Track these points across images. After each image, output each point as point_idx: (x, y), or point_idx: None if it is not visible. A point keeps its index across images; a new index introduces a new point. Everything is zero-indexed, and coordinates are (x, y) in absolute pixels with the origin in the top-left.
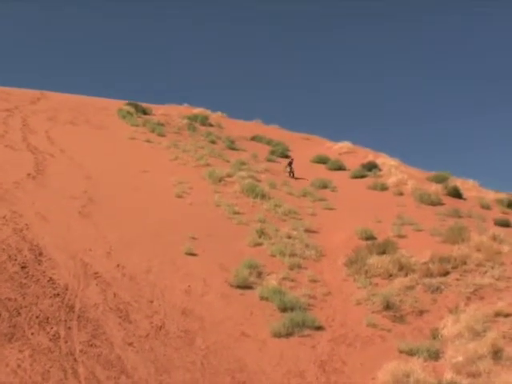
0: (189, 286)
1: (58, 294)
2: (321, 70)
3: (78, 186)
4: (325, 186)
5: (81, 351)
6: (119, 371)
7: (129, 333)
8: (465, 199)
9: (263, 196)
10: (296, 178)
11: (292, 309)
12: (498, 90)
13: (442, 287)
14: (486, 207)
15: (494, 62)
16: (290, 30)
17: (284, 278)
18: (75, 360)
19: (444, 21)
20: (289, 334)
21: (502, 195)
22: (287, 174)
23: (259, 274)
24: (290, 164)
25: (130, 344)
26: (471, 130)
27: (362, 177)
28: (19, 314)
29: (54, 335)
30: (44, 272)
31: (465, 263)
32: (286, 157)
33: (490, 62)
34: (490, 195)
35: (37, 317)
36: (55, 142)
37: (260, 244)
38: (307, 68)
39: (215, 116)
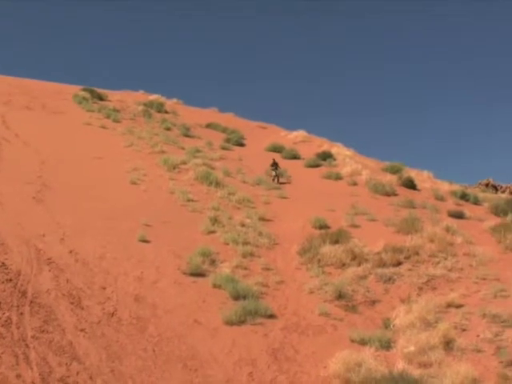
0: (142, 272)
1: (11, 280)
2: (277, 59)
3: (33, 171)
4: (279, 175)
5: (33, 337)
6: (71, 357)
7: (81, 319)
8: (419, 190)
9: (217, 184)
10: (281, 183)
11: (244, 297)
12: (455, 83)
13: (395, 277)
14: (440, 198)
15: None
16: (248, 18)
17: (237, 266)
18: (27, 346)
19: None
20: (241, 322)
21: (456, 187)
22: (271, 179)
23: (212, 262)
24: (274, 167)
25: (82, 330)
26: (426, 122)
27: (317, 166)
28: None
29: (6, 321)
30: None
31: (418, 254)
32: (241, 145)
33: (445, 56)
34: (445, 187)
35: None
36: (10, 127)
37: (213, 232)
38: (264, 57)
39: (171, 103)
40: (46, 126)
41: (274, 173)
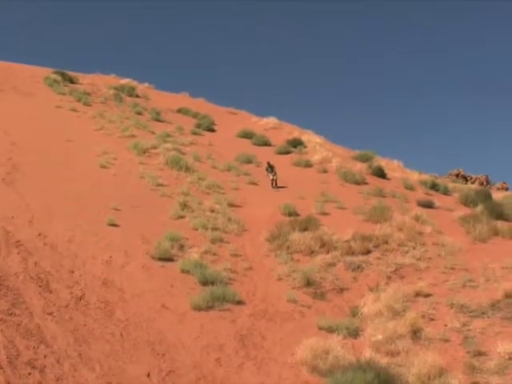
0: (110, 256)
1: None
2: (250, 45)
3: (3, 153)
4: (249, 161)
5: (0, 320)
6: (38, 341)
7: (49, 302)
8: (389, 179)
9: (187, 169)
10: (279, 187)
11: (213, 282)
12: (426, 73)
13: (363, 265)
14: (410, 188)
15: (426, 47)
16: (218, 2)
17: (206, 252)
18: None
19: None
20: (209, 308)
21: (426, 176)
22: (270, 182)
23: (181, 247)
24: (270, 169)
25: (50, 314)
26: (397, 111)
27: (287, 153)
28: None
29: None
30: None
31: (386, 242)
32: (212, 130)
33: (423, 46)
34: (415, 176)
35: None
36: None
37: (183, 217)
38: (236, 43)
39: (142, 87)
40: (16, 108)
41: (271, 176)
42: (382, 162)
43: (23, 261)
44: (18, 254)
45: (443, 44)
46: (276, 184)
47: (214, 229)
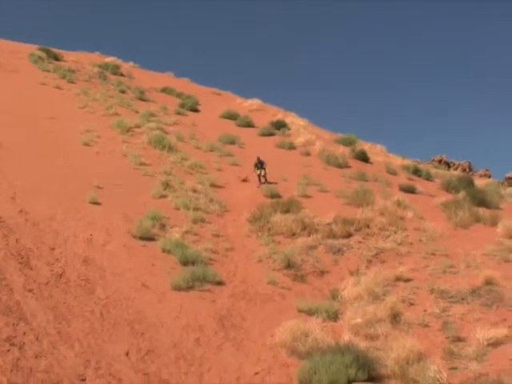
0: (91, 234)
1: None
2: (236, 27)
3: None
4: (232, 142)
5: None
6: (18, 317)
7: (29, 279)
8: (371, 163)
9: (170, 148)
10: (269, 183)
11: (193, 263)
12: (411, 58)
13: (344, 249)
14: (393, 173)
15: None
16: None
17: (187, 232)
18: None
19: None
20: (189, 288)
21: (409, 162)
22: (258, 179)
23: (162, 227)
24: (259, 165)
25: (30, 291)
26: (382, 96)
27: (271, 135)
28: None
29: None
30: None
31: (368, 226)
32: (195, 110)
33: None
34: (397, 161)
35: None
36: None
37: (165, 196)
38: (222, 25)
39: (127, 66)
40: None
41: (259, 172)
42: (365, 145)
43: (4, 237)
44: None
45: (426, 28)
46: (266, 180)
47: (196, 209)
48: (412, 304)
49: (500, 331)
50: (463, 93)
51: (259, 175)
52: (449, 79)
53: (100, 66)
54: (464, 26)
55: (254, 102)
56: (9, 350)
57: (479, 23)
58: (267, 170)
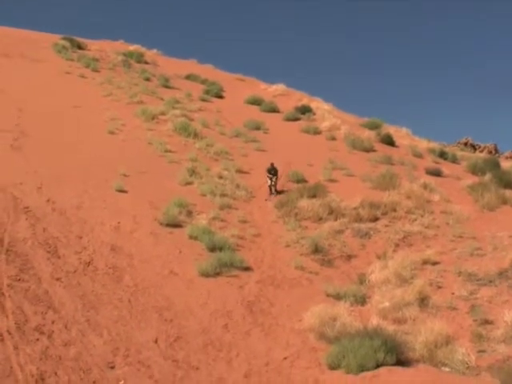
0: (118, 222)
1: None
2: (259, 11)
3: (11, 119)
4: (257, 128)
5: (8, 285)
6: (46, 306)
7: (57, 268)
8: (397, 147)
9: (196, 135)
10: (279, 192)
11: (221, 249)
12: (434, 40)
13: (371, 233)
14: (418, 156)
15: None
16: None
17: (214, 218)
18: (2, 294)
19: None
20: (217, 274)
21: (435, 144)
22: (269, 188)
23: (189, 213)
24: (272, 173)
25: (58, 279)
26: (407, 79)
27: (296, 120)
28: None
29: None
30: None
31: (394, 210)
32: (220, 97)
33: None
34: (423, 144)
35: None
36: None
37: (191, 183)
38: (245, 10)
39: (150, 54)
40: (24, 75)
41: (269, 182)
42: (390, 129)
43: (31, 226)
44: (27, 219)
45: (454, 11)
46: (276, 189)
47: (222, 195)
48: (440, 287)
49: None
50: (488, 74)
51: (270, 185)
52: (473, 61)
53: (124, 54)
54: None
55: (279, 87)
56: (38, 339)
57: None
58: (278, 179)
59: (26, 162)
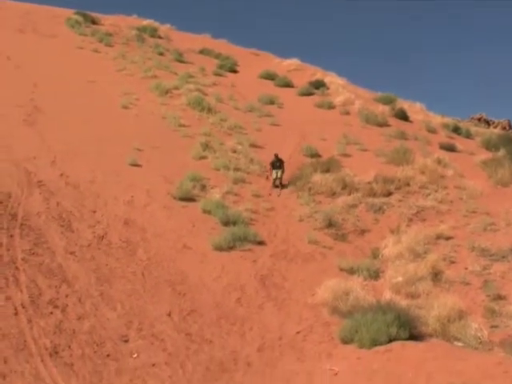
0: (132, 196)
1: (1, 202)
2: None
3: (24, 94)
4: (271, 102)
5: (23, 259)
6: (60, 280)
7: (71, 242)
8: (411, 122)
9: (209, 110)
10: (284, 186)
11: (234, 223)
12: (449, 16)
13: (385, 207)
14: (432, 131)
15: None
16: None
17: (227, 192)
18: (17, 268)
19: None
20: (230, 248)
21: (449, 120)
22: (272, 182)
23: (203, 187)
24: (277, 165)
25: (72, 253)
26: (421, 54)
27: (310, 94)
28: None
29: None
30: None
31: (408, 185)
32: (234, 71)
33: None
34: (437, 119)
35: None
36: (2, 50)
37: (204, 157)
38: None
39: (164, 28)
40: (38, 50)
41: (274, 174)
42: (404, 104)
43: (45, 201)
44: (40, 194)
45: None
46: (281, 183)
47: (236, 169)
48: (453, 262)
49: None
50: (502, 49)
51: (275, 178)
52: (486, 38)
53: (137, 29)
54: None
55: (293, 62)
56: (52, 313)
57: None
58: (284, 172)
59: (40, 136)
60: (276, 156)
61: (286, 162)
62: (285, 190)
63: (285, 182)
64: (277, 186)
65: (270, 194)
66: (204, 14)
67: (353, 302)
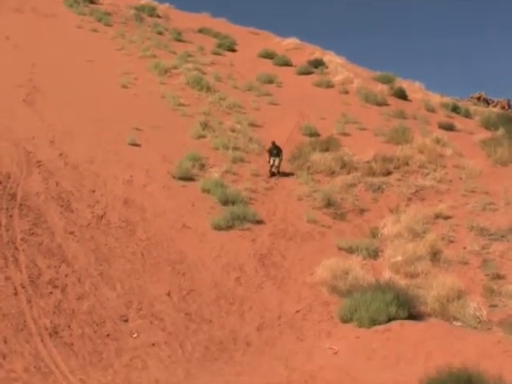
0: (131, 176)
1: (0, 182)
2: None
3: (23, 74)
4: (270, 81)
5: (22, 240)
6: (60, 260)
7: (70, 222)
8: (410, 101)
9: (208, 89)
10: (281, 175)
11: (233, 202)
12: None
13: (384, 187)
14: (431, 110)
15: None
16: None
17: (226, 171)
18: (16, 248)
19: None
20: (229, 227)
21: (448, 99)
22: (268, 169)
23: (202, 167)
24: (274, 152)
25: (71, 233)
26: (419, 32)
27: (308, 73)
28: None
29: None
30: None
31: (407, 164)
32: (233, 50)
33: None
34: (436, 98)
35: None
36: (0, 30)
37: (203, 136)
38: None
39: (163, 7)
40: (36, 29)
41: (273, 161)
42: (403, 83)
43: (44, 181)
44: (39, 174)
45: None
46: (279, 171)
47: (235, 148)
48: (452, 241)
49: None
50: (501, 29)
51: (272, 165)
52: (487, 15)
53: (136, 8)
54: None
55: (292, 41)
56: (51, 293)
57: None
58: (282, 160)
59: (39, 116)
60: (273, 143)
61: (285, 140)
62: (284, 169)
63: (284, 161)
64: (273, 174)
65: (267, 182)
66: None
67: (352, 282)
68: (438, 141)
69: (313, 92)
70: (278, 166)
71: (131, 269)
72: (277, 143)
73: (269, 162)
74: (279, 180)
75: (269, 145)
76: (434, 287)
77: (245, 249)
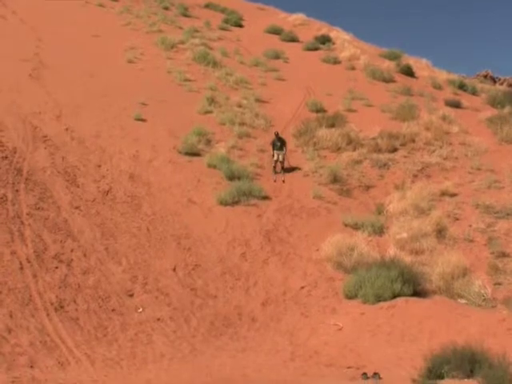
0: (137, 151)
1: (6, 157)
2: None
3: (30, 48)
4: (277, 57)
5: (28, 214)
6: (65, 234)
7: (76, 197)
8: (417, 78)
9: (215, 64)
10: (286, 171)
11: (239, 177)
12: None
13: (390, 163)
14: (438, 87)
15: None
16: None
17: (233, 147)
18: (22, 223)
19: None
20: (235, 203)
21: (454, 76)
22: (273, 164)
23: (208, 142)
24: (279, 144)
25: (77, 208)
26: (428, 10)
27: (315, 49)
28: None
29: (2, 198)
30: None
31: (413, 141)
32: (239, 26)
33: None
34: (443, 76)
35: None
36: (7, 4)
37: (210, 112)
38: None
39: None
40: (43, 4)
41: (276, 156)
42: (410, 60)
43: (50, 155)
44: (45, 148)
45: None
46: (283, 167)
47: (241, 124)
48: (457, 219)
49: None
50: (510, 6)
51: (276, 160)
52: None
53: None
54: None
55: (298, 17)
56: (57, 267)
57: None
58: (287, 154)
59: (45, 91)
60: (276, 134)
61: (291, 116)
62: (290, 144)
63: (290, 136)
64: (278, 172)
65: (274, 181)
66: None
67: (357, 258)
68: (444, 118)
69: (319, 68)
70: (283, 162)
71: (137, 244)
72: (280, 134)
73: (273, 156)
74: (285, 176)
75: (272, 139)
76: (439, 264)
77: (250, 224)
